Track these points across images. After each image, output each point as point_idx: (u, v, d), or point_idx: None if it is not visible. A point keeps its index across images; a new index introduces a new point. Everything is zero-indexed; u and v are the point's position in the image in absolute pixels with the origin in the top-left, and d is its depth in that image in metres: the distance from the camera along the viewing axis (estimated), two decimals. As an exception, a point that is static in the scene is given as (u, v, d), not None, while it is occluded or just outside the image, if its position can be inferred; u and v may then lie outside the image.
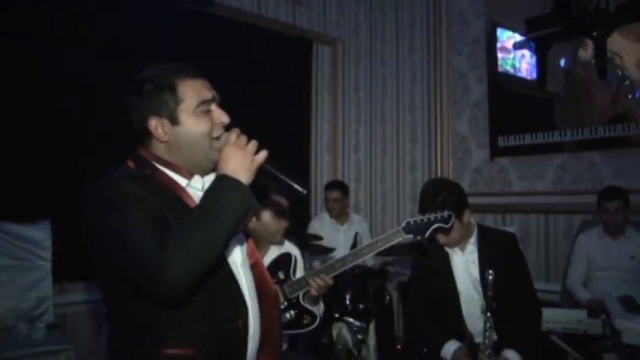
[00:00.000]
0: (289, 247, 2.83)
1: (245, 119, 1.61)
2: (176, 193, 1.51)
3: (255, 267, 1.68)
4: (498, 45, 4.91)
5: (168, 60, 1.59)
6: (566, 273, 4.04)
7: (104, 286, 1.51)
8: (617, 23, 4.19)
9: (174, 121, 1.51)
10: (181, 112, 1.52)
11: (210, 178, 1.56)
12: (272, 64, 5.19)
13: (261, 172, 1.52)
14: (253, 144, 1.50)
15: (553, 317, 3.03)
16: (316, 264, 4.05)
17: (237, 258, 1.60)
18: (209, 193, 1.42)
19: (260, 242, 2.70)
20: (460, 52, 5.19)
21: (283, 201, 2.66)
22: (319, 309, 2.63)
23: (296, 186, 1.57)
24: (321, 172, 5.77)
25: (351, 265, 2.50)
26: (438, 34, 5.34)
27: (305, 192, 1.59)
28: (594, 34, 4.34)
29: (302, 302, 2.54)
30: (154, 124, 1.52)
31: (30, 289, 3.49)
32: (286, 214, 2.68)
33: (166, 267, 1.28)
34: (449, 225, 2.35)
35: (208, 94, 1.56)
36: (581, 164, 4.41)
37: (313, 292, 2.46)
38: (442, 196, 2.54)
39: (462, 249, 2.75)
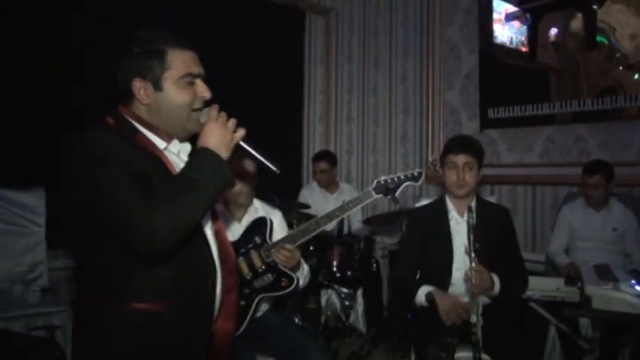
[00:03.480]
0: (267, 211, 2.88)
1: (237, 90, 1.68)
2: (157, 156, 1.57)
3: (218, 234, 1.75)
4: (495, 16, 4.90)
5: (159, 28, 1.64)
6: (549, 241, 4.13)
7: (79, 239, 1.56)
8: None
9: (157, 86, 1.58)
10: (166, 79, 1.58)
11: (184, 147, 1.65)
12: (264, 34, 5.19)
13: (238, 148, 1.60)
14: (233, 122, 1.58)
15: (532, 285, 3.10)
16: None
17: (207, 225, 1.68)
18: (193, 164, 1.52)
19: (228, 205, 2.79)
20: (452, 22, 5.20)
21: (248, 165, 2.70)
22: (302, 272, 2.72)
23: (270, 165, 1.65)
24: (314, 142, 5.83)
25: (318, 230, 2.61)
26: (431, 4, 5.33)
27: (278, 172, 1.66)
28: (585, 5, 4.36)
29: (279, 265, 2.62)
30: (138, 85, 1.58)
31: (24, 254, 3.58)
32: (250, 178, 2.72)
33: (154, 225, 1.37)
34: (419, 183, 2.47)
35: (195, 68, 1.62)
36: (569, 136, 4.46)
37: (281, 264, 2.58)
38: (475, 141, 2.94)
39: (461, 214, 2.84)
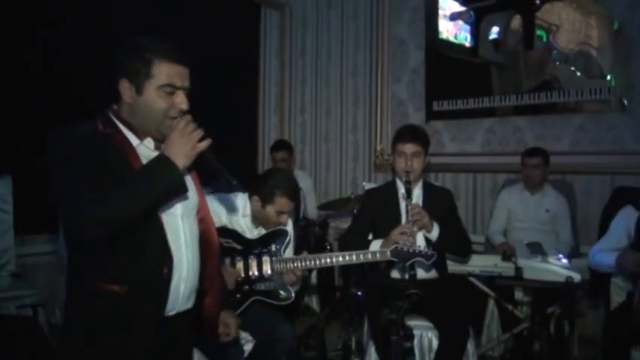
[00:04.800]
0: (289, 225, 3.01)
1: (194, 82, 1.82)
2: (125, 155, 1.73)
3: (202, 221, 1.93)
4: (441, 13, 5.18)
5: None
6: (488, 224, 4.47)
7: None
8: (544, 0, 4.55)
9: (139, 90, 1.74)
10: (148, 85, 1.73)
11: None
12: (221, 26, 5.32)
13: (202, 157, 1.76)
14: (198, 133, 1.72)
15: (472, 261, 3.43)
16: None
17: (177, 210, 1.84)
18: (145, 169, 1.69)
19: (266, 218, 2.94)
20: (401, 19, 5.48)
21: (290, 204, 2.89)
22: (295, 288, 2.90)
23: (228, 176, 1.81)
24: (269, 131, 6.04)
25: (332, 263, 2.82)
26: (380, 1, 5.57)
27: (235, 183, 1.83)
28: (523, 8, 4.69)
29: (284, 279, 2.81)
30: (124, 85, 1.75)
31: (-8, 241, 3.64)
32: (287, 214, 2.90)
33: (83, 220, 1.60)
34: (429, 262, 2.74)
35: (178, 81, 1.76)
36: (508, 128, 4.84)
37: (285, 279, 2.79)
38: (422, 131, 3.23)
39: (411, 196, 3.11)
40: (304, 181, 5.23)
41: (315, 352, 3.43)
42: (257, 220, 2.93)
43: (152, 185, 1.64)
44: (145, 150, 1.79)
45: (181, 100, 1.77)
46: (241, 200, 2.94)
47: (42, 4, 4.03)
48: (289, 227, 3.00)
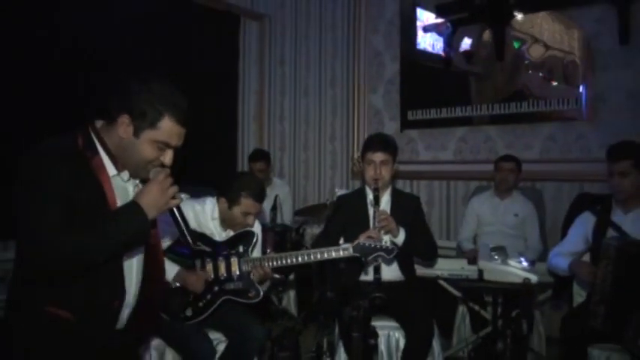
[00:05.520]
0: (256, 227, 3.12)
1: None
2: (100, 183, 1.76)
3: (153, 248, 1.95)
4: (418, 24, 5.34)
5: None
6: (459, 231, 4.61)
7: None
8: (514, 14, 4.72)
9: (136, 134, 1.77)
10: (147, 133, 1.77)
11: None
12: (202, 37, 5.45)
13: (169, 212, 1.84)
14: (174, 189, 1.79)
15: (441, 265, 3.57)
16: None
17: (135, 251, 1.89)
18: (116, 215, 1.73)
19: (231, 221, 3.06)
20: (377, 31, 5.63)
21: (256, 206, 3.01)
22: (264, 287, 3.03)
23: (187, 236, 1.90)
24: (248, 139, 6.15)
25: (295, 261, 2.94)
26: (357, 13, 5.73)
27: (191, 243, 1.93)
28: (493, 21, 4.87)
29: (252, 277, 2.93)
30: (125, 121, 1.77)
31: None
32: (253, 215, 3.02)
33: (46, 250, 1.61)
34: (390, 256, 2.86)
35: (175, 141, 1.82)
36: (479, 137, 5.00)
37: (254, 277, 2.91)
38: (391, 139, 3.30)
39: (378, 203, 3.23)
40: (282, 188, 5.34)
41: (289, 353, 3.52)
42: (224, 221, 3.03)
43: (119, 233, 1.69)
44: (119, 181, 1.84)
45: (168, 157, 1.83)
46: (210, 204, 3.05)
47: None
48: (256, 229, 3.10)
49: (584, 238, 3.09)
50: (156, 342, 2.82)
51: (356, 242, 2.85)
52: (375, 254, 2.84)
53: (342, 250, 2.88)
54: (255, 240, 3.03)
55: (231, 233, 3.05)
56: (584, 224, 3.12)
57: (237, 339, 2.89)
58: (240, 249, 2.97)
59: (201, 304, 2.87)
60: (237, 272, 2.93)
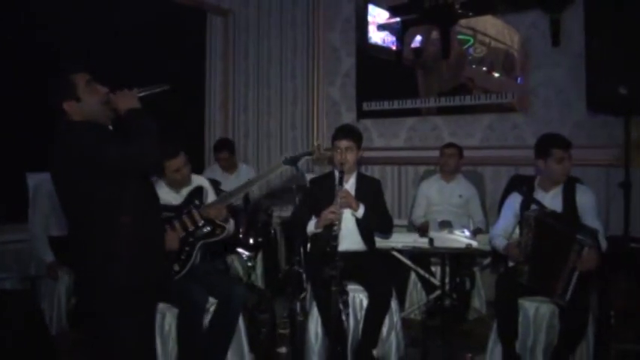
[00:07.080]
0: (201, 181, 3.68)
1: (144, 84, 2.50)
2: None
3: None
4: (370, 19, 5.82)
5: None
6: (411, 210, 5.11)
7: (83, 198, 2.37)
8: (459, 16, 5.26)
9: (78, 100, 2.37)
10: (81, 94, 2.38)
11: None
12: (169, 31, 5.65)
13: (141, 97, 2.46)
14: (127, 91, 2.44)
15: (396, 238, 4.08)
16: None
17: None
18: (136, 119, 2.38)
19: (172, 183, 3.56)
20: (334, 28, 6.08)
21: (177, 161, 3.49)
22: (230, 225, 3.56)
23: (159, 88, 2.58)
24: (214, 128, 6.52)
25: (243, 193, 3.61)
26: (315, 11, 6.15)
27: (167, 87, 2.62)
28: (440, 22, 5.42)
29: (215, 219, 3.45)
30: (68, 104, 2.40)
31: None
32: (183, 168, 3.52)
33: (138, 158, 2.31)
34: (313, 156, 3.41)
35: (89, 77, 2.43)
36: (427, 126, 5.56)
37: (213, 216, 3.44)
38: (355, 129, 3.82)
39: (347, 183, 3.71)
40: (248, 174, 5.65)
41: (268, 315, 4.00)
42: (171, 186, 3.55)
43: (146, 122, 2.38)
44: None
45: (102, 87, 2.46)
46: (159, 183, 3.54)
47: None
48: (203, 182, 3.68)
49: (514, 214, 3.55)
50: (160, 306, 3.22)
51: (284, 157, 3.55)
52: (301, 156, 3.62)
53: (275, 165, 3.67)
54: (205, 191, 3.58)
55: (184, 194, 3.54)
56: (513, 203, 3.58)
57: (225, 298, 3.36)
58: (197, 202, 3.51)
59: (183, 256, 3.40)
60: (202, 220, 3.46)
